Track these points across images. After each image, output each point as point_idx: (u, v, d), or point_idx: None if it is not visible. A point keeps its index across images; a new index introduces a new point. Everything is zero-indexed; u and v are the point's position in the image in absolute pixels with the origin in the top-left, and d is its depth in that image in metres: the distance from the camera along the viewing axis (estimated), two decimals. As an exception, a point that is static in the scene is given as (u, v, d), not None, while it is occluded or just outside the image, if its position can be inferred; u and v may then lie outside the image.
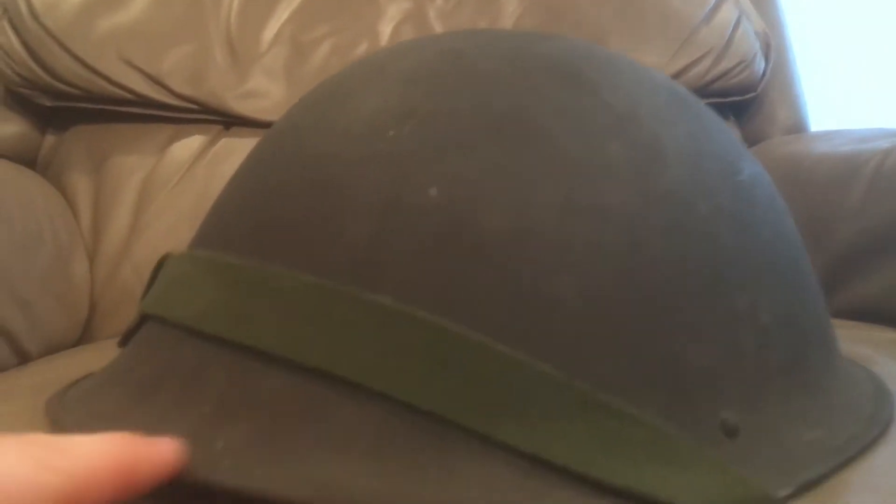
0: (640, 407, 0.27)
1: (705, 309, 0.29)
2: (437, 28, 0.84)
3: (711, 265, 0.30)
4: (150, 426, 0.27)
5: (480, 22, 0.86)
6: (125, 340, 0.35)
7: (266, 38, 0.80)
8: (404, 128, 0.30)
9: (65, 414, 0.30)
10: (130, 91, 0.75)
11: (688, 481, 0.26)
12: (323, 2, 0.83)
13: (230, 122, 0.78)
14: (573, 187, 0.29)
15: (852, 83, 1.11)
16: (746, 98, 0.93)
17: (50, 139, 0.78)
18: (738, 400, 0.29)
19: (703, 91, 0.88)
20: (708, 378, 0.29)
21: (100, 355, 0.56)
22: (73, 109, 0.76)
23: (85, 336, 0.71)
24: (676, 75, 0.87)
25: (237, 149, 0.77)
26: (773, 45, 0.95)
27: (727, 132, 0.35)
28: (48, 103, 0.75)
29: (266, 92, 0.78)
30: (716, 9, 0.92)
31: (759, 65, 0.93)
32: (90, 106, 0.76)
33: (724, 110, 0.93)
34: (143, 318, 0.33)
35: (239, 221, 0.31)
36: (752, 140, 0.94)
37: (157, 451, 0.23)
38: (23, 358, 0.60)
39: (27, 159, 0.76)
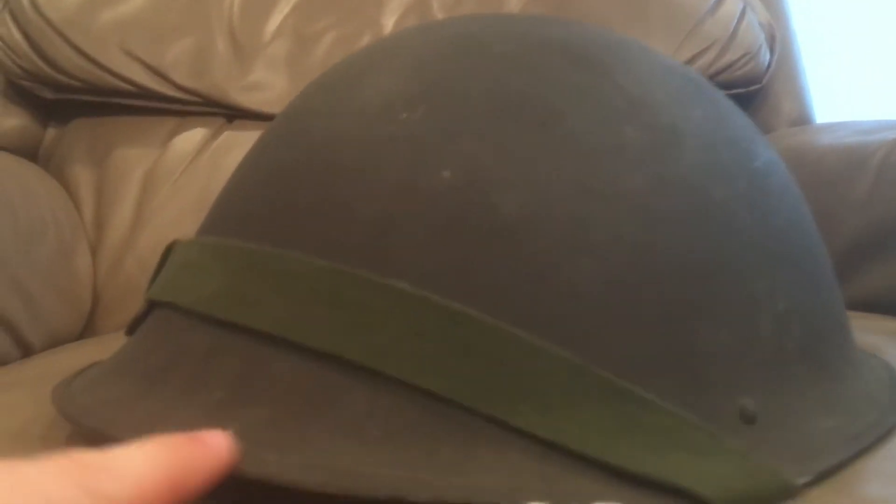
0: (658, 393, 0.26)
1: (722, 295, 0.29)
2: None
3: (728, 251, 0.29)
4: (160, 413, 0.27)
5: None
6: (132, 328, 0.34)
7: (269, 30, 0.80)
8: (417, 110, 0.29)
9: (71, 402, 0.29)
10: (133, 83, 0.74)
11: (707, 469, 0.25)
12: (326, -7, 0.83)
13: (233, 114, 0.78)
14: (588, 171, 0.28)
15: (858, 75, 1.11)
16: (751, 90, 0.92)
17: (52, 132, 0.78)
18: (756, 387, 0.29)
19: (707, 83, 0.88)
20: (726, 364, 0.28)
21: (104, 348, 0.55)
22: (75, 102, 0.76)
23: (88, 329, 0.70)
24: (681, 67, 0.87)
25: (240, 141, 0.77)
26: (777, 36, 0.94)
27: (742, 117, 0.35)
28: (50, 96, 0.75)
29: (269, 84, 0.78)
30: (720, 0, 0.91)
31: (764, 57, 0.92)
32: (92, 98, 0.75)
33: (728, 102, 0.92)
34: (151, 306, 0.33)
35: (248, 206, 0.31)
36: (756, 132, 0.93)
37: (210, 450, 0.21)
38: (25, 351, 0.60)
39: (29, 152, 0.76)
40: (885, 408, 0.33)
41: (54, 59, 0.73)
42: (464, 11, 0.85)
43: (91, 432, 0.27)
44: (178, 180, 0.75)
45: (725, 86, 0.90)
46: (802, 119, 0.95)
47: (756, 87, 0.93)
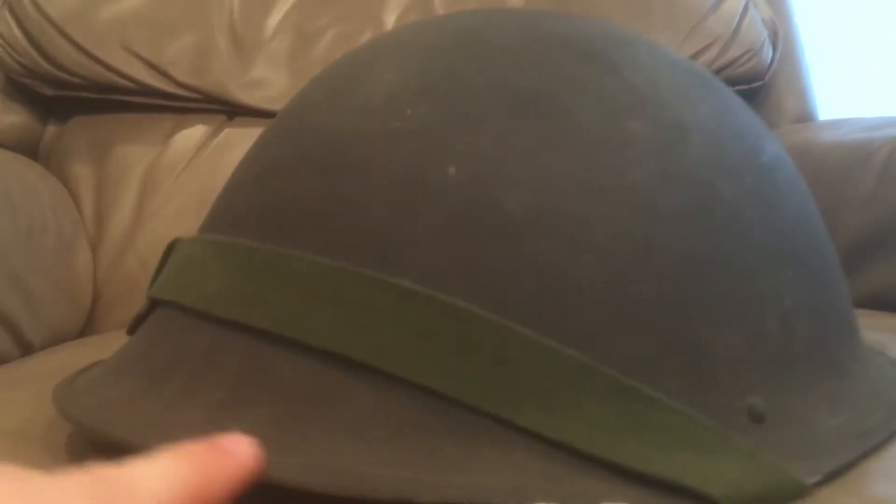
0: (665, 392, 0.26)
1: (729, 291, 0.28)
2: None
3: (735, 247, 0.29)
4: (161, 413, 0.26)
5: (486, 10, 0.85)
6: (134, 327, 0.34)
7: (270, 26, 0.79)
8: (421, 106, 0.29)
9: (72, 403, 0.29)
10: (133, 80, 0.74)
11: (716, 468, 0.25)
12: (326, -10, 0.82)
13: (234, 111, 0.78)
14: (594, 166, 0.28)
15: (861, 71, 1.10)
16: (754, 87, 0.92)
17: (51, 129, 0.77)
18: (764, 384, 0.28)
19: (710, 80, 0.87)
20: (733, 362, 0.28)
21: (105, 347, 0.55)
22: (75, 99, 0.75)
23: (88, 327, 0.70)
24: (684, 64, 0.86)
25: (241, 139, 0.77)
26: (780, 33, 0.94)
27: (749, 112, 0.34)
28: (49, 92, 0.74)
29: (270, 81, 0.77)
30: (723, -4, 0.91)
31: (767, 53, 0.92)
32: (92, 95, 0.75)
33: (731, 99, 0.92)
34: (153, 305, 0.32)
35: (250, 203, 0.31)
36: (759, 129, 0.93)
37: (232, 459, 0.20)
38: (25, 349, 0.59)
39: (29, 149, 0.75)
40: (893, 406, 0.32)
41: (54, 55, 0.72)
42: (466, 7, 0.85)
43: (92, 434, 0.27)
44: (179, 177, 0.74)
45: (728, 83, 0.89)
46: (805, 116, 0.95)
47: (759, 84, 0.92)
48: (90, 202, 0.73)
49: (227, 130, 0.77)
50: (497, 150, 0.28)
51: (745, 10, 0.91)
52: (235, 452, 0.20)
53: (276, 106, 0.77)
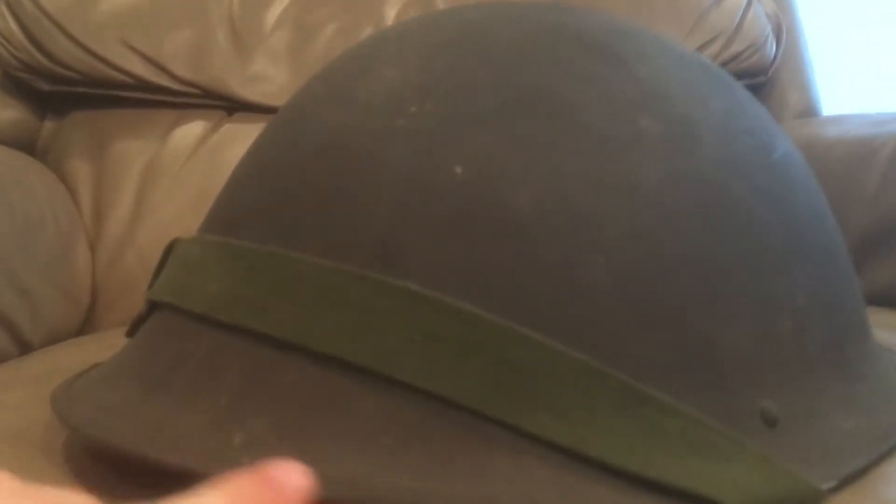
0: (677, 396, 0.25)
1: (742, 293, 0.28)
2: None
3: (747, 247, 0.28)
4: (161, 420, 0.26)
5: (487, 4, 0.84)
6: (133, 329, 0.33)
7: (269, 21, 0.78)
8: (426, 103, 0.28)
9: (71, 408, 0.28)
10: (131, 75, 0.73)
11: (729, 475, 0.24)
12: (326, -17, 0.81)
13: (233, 107, 0.77)
14: (603, 164, 0.27)
15: (864, 66, 1.10)
16: (757, 81, 0.91)
17: (49, 125, 0.76)
18: (777, 388, 0.28)
19: (713, 74, 0.87)
20: (746, 365, 0.27)
21: (104, 346, 0.54)
22: (73, 94, 0.74)
23: (87, 325, 0.69)
24: (687, 58, 0.86)
25: (241, 134, 0.76)
26: (784, 27, 0.93)
27: (760, 108, 0.34)
28: (47, 88, 0.74)
29: (270, 76, 0.77)
30: (726, -10, 0.90)
31: (770, 48, 0.91)
32: (90, 91, 0.74)
33: (734, 94, 0.91)
34: (152, 306, 0.32)
35: (251, 204, 0.30)
36: (762, 124, 0.92)
37: (287, 493, 0.17)
38: (24, 348, 0.59)
39: (26, 145, 0.74)
40: (907, 408, 0.32)
41: (51, 50, 0.72)
42: (467, 0, 0.84)
43: (90, 440, 0.26)
44: (179, 174, 0.74)
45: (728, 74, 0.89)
46: (809, 111, 0.94)
47: (762, 79, 0.92)
48: (88, 199, 0.73)
49: (226, 126, 0.76)
50: (504, 149, 0.27)
51: (749, 4, 0.90)
52: (289, 486, 0.17)
53: (275, 101, 0.76)
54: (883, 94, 1.07)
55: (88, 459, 0.30)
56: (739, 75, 0.89)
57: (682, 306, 0.26)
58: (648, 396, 0.25)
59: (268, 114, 0.76)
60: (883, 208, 0.67)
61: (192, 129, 0.76)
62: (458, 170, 0.27)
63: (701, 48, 0.87)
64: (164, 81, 0.74)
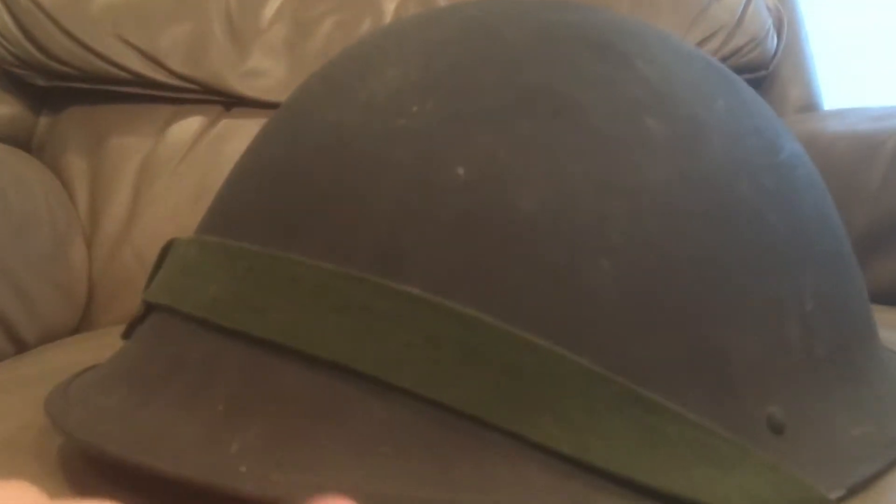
0: (683, 403, 0.25)
1: (749, 296, 0.27)
2: (443, 5, 0.82)
3: (755, 250, 0.28)
4: (158, 426, 0.25)
5: (487, -2, 0.84)
6: (130, 331, 0.33)
7: (267, 15, 0.78)
8: (427, 102, 0.27)
9: (66, 413, 0.28)
10: (127, 70, 0.72)
11: (735, 483, 0.24)
12: (324, -23, 0.81)
13: (231, 102, 0.76)
14: (608, 166, 0.27)
15: (865, 60, 1.09)
16: (758, 76, 0.91)
17: (45, 120, 0.76)
18: (784, 393, 0.27)
19: (714, 69, 0.86)
20: (753, 370, 0.27)
21: (101, 344, 0.54)
22: (69, 90, 0.74)
23: (84, 323, 0.69)
24: (688, 53, 0.85)
25: (239, 130, 0.75)
26: (785, 21, 0.92)
27: (765, 107, 0.33)
28: (42, 83, 0.73)
29: (267, 71, 0.76)
30: (728, -16, 0.89)
31: (772, 42, 0.90)
32: (86, 86, 0.73)
33: (735, 89, 0.90)
34: (149, 308, 0.31)
35: (249, 205, 0.29)
36: (763, 119, 0.92)
37: None
38: (20, 347, 0.58)
39: (21, 141, 0.74)
40: (916, 412, 0.31)
41: (46, 45, 0.71)
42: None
43: (86, 447, 0.26)
44: (176, 170, 0.73)
45: (732, 71, 0.88)
46: (810, 105, 0.93)
47: (763, 73, 0.91)
48: (85, 195, 0.72)
49: (223, 121, 0.76)
50: (508, 150, 0.26)
51: (750, -2, 0.90)
52: None
53: (273, 96, 0.75)
54: (883, 87, 1.06)
55: (83, 466, 0.29)
56: (740, 70, 0.88)
57: (689, 310, 0.26)
58: (653, 403, 0.24)
59: (266, 109, 0.76)
60: (886, 204, 0.66)
61: (189, 125, 0.75)
62: (461, 171, 0.26)
63: (702, 42, 0.87)
64: (160, 76, 0.73)
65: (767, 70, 0.91)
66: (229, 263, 0.27)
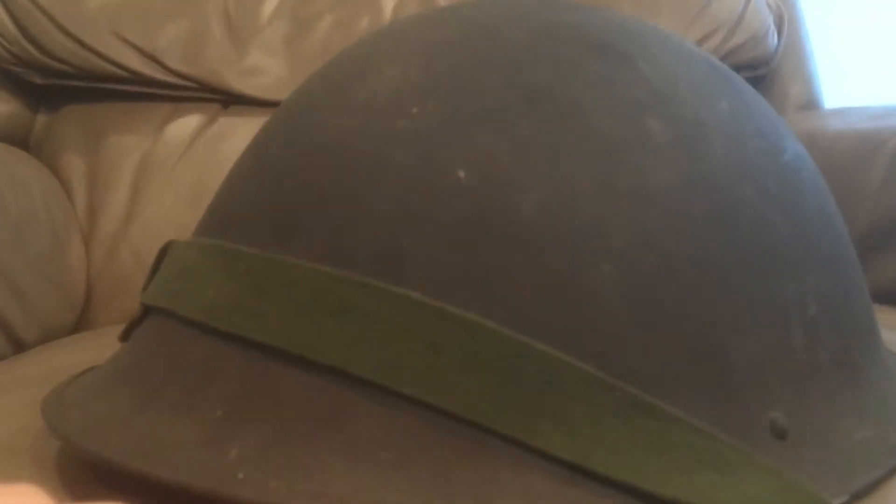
0: (687, 408, 0.25)
1: (752, 300, 0.27)
2: (442, 4, 0.81)
3: (758, 253, 0.28)
4: (155, 432, 0.25)
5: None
6: (127, 334, 0.32)
7: (265, 12, 0.77)
8: (428, 103, 0.27)
9: (62, 418, 0.28)
10: (125, 68, 0.72)
11: (740, 489, 0.24)
12: (323, -25, 0.80)
13: (229, 100, 0.76)
14: (611, 168, 0.26)
15: (866, 58, 1.09)
16: (759, 74, 0.90)
17: (42, 119, 0.75)
18: (787, 398, 0.27)
19: (715, 67, 0.86)
20: (756, 375, 0.27)
21: (99, 345, 0.53)
22: (66, 88, 0.73)
23: (82, 322, 0.68)
24: (688, 51, 0.85)
25: (237, 128, 0.75)
26: (786, 19, 0.92)
27: (768, 108, 0.33)
28: (40, 81, 0.73)
29: (266, 69, 0.76)
30: (728, -18, 0.89)
31: (772, 40, 0.90)
32: (83, 84, 0.73)
33: (735, 87, 0.90)
34: (146, 311, 0.31)
35: (247, 207, 0.29)
36: (764, 117, 0.91)
37: None
38: (18, 347, 0.58)
39: (19, 139, 0.73)
40: (919, 416, 0.31)
41: (43, 43, 0.70)
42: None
43: (82, 453, 0.25)
44: (174, 168, 0.73)
45: (733, 69, 0.88)
46: (811, 103, 0.93)
47: (763, 71, 0.91)
48: (83, 194, 0.72)
49: (222, 119, 0.75)
50: (508, 152, 0.26)
51: (751, -5, 0.89)
52: None
53: (272, 94, 0.75)
54: (884, 85, 1.06)
55: (81, 470, 0.29)
56: (741, 67, 0.88)
57: (692, 315, 0.26)
58: (656, 409, 0.24)
59: (264, 107, 0.75)
60: (887, 204, 0.66)
61: (187, 123, 0.75)
62: (461, 174, 0.26)
63: (702, 40, 0.87)
64: (158, 74, 0.73)
65: (768, 68, 0.91)
66: (227, 266, 0.27)
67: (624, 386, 0.24)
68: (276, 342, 0.25)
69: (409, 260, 0.25)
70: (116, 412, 0.27)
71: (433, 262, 0.25)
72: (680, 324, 0.25)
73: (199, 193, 0.72)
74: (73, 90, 0.73)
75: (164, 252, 0.33)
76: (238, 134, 0.75)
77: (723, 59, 0.87)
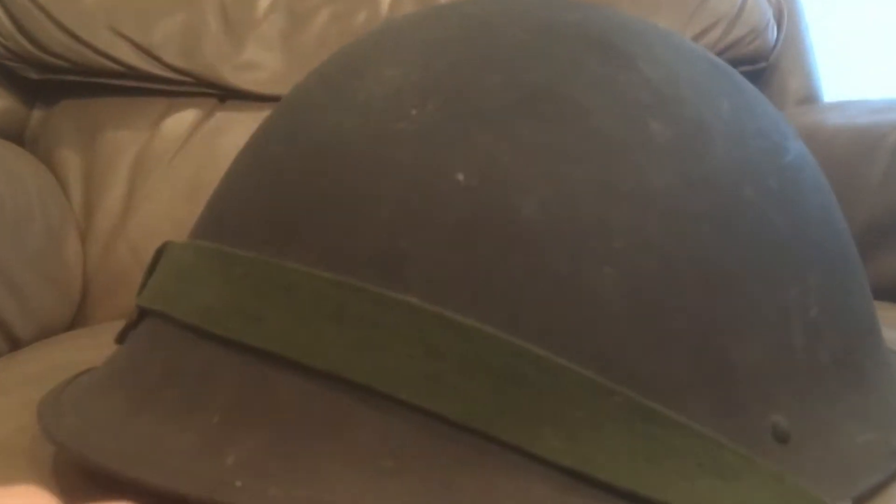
0: (688, 413, 0.24)
1: (754, 302, 0.27)
2: (442, 1, 0.81)
3: (760, 254, 0.27)
4: (151, 438, 0.25)
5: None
6: (123, 336, 0.32)
7: (261, 6, 0.77)
8: (427, 104, 0.27)
9: (58, 423, 0.27)
10: (120, 63, 0.72)
11: (742, 495, 0.24)
12: (320, -32, 0.80)
13: (225, 94, 0.75)
14: (612, 170, 0.26)
15: (865, 52, 1.08)
16: (758, 68, 0.90)
17: (38, 114, 0.75)
18: (789, 401, 0.27)
19: (714, 61, 0.85)
20: (757, 379, 0.26)
21: (96, 342, 0.53)
22: (62, 82, 0.73)
23: (78, 318, 0.68)
24: (687, 44, 0.84)
25: (234, 122, 0.74)
26: (785, 12, 0.92)
27: (770, 107, 0.33)
28: (35, 76, 0.72)
29: (262, 63, 0.75)
30: (728, -25, 0.88)
31: (772, 33, 0.90)
32: (79, 79, 0.72)
33: (735, 81, 0.90)
34: (142, 313, 0.31)
35: (244, 209, 0.29)
36: (763, 111, 0.91)
37: None
38: (14, 344, 0.58)
39: (14, 135, 0.73)
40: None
41: (39, 37, 0.70)
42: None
43: (78, 459, 0.25)
44: (170, 163, 0.72)
45: (732, 63, 0.87)
46: (810, 97, 0.93)
47: (763, 65, 0.90)
48: (79, 189, 0.71)
49: (218, 114, 0.75)
50: (508, 153, 0.26)
51: (750, -12, 0.89)
52: None
53: (268, 89, 0.74)
54: (883, 79, 1.06)
55: (78, 474, 0.29)
56: (740, 61, 0.88)
57: (693, 318, 0.25)
58: (657, 413, 0.24)
59: (261, 101, 0.75)
60: (888, 199, 0.66)
61: (183, 118, 0.74)
62: (461, 175, 0.25)
63: (702, 33, 0.86)
64: (154, 69, 0.72)
65: (767, 62, 0.90)
66: (224, 270, 0.27)
67: (624, 390, 0.24)
68: (273, 347, 0.25)
69: (408, 263, 0.25)
70: (113, 416, 0.27)
71: (432, 265, 0.24)
72: (681, 327, 0.25)
73: (195, 189, 0.71)
74: (68, 85, 0.73)
75: (160, 253, 0.32)
76: (235, 129, 0.74)
77: (722, 52, 0.86)
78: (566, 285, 0.24)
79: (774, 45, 0.90)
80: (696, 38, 0.86)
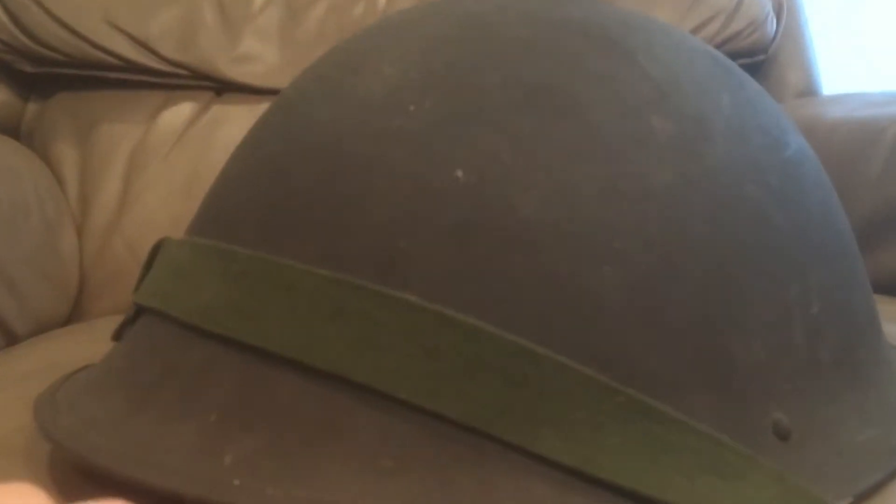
0: (689, 411, 0.24)
1: (755, 300, 0.27)
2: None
3: (761, 252, 0.27)
4: (148, 437, 0.25)
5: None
6: (119, 333, 0.32)
7: (258, -1, 0.76)
8: (426, 101, 0.27)
9: (54, 421, 0.27)
10: (116, 56, 0.71)
11: (743, 493, 0.24)
12: (317, -40, 0.79)
13: (222, 87, 0.75)
14: (613, 167, 0.26)
15: (864, 44, 1.08)
16: (756, 60, 0.90)
17: (33, 107, 0.74)
18: (789, 399, 0.27)
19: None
20: (759, 376, 0.26)
21: (92, 338, 0.53)
22: (57, 76, 0.72)
23: (75, 313, 0.68)
24: (686, 37, 0.84)
25: (230, 115, 0.74)
26: (784, 5, 0.91)
27: (771, 102, 0.32)
28: (30, 69, 0.72)
29: (259, 56, 0.75)
30: (726, -33, 0.88)
31: (770, 26, 0.89)
32: (75, 72, 0.72)
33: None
34: (139, 310, 0.30)
35: (242, 206, 0.28)
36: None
37: None
38: (10, 339, 0.57)
39: (9, 128, 0.72)
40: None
41: (34, 30, 0.69)
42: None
43: (75, 458, 0.25)
44: (167, 157, 0.72)
45: (731, 56, 0.87)
46: (809, 90, 0.93)
47: (762, 58, 0.90)
48: (75, 183, 0.71)
49: (215, 107, 0.75)
50: (508, 151, 0.26)
51: (749, -19, 0.88)
52: None
53: (265, 82, 0.74)
54: (882, 72, 1.06)
55: (74, 473, 0.29)
56: (739, 54, 0.88)
57: (697, 317, 0.25)
58: (658, 412, 0.24)
59: (257, 94, 0.75)
60: (887, 192, 0.66)
61: (180, 111, 0.74)
62: (460, 173, 0.25)
63: (700, 26, 0.86)
64: (150, 62, 0.72)
65: (766, 54, 0.90)
66: (222, 268, 0.26)
67: (626, 390, 0.24)
68: (271, 346, 0.24)
69: (407, 261, 0.24)
70: (110, 415, 0.26)
71: (431, 264, 0.24)
72: (681, 325, 0.25)
73: (192, 182, 0.71)
74: (64, 78, 0.73)
75: (156, 249, 0.32)
76: (232, 121, 0.74)
77: (721, 45, 0.86)
78: (566, 283, 0.24)
79: (773, 38, 0.90)
80: (695, 30, 0.85)
